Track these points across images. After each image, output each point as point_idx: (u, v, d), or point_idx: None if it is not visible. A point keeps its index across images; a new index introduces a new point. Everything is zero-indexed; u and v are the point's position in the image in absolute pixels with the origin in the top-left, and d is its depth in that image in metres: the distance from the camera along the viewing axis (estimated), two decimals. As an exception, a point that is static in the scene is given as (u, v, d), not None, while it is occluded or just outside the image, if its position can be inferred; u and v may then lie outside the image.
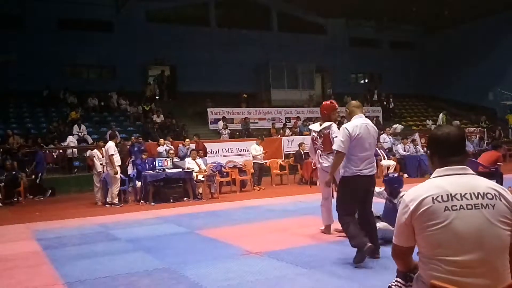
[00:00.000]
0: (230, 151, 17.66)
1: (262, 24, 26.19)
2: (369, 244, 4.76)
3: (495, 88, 26.31)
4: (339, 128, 5.62)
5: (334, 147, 5.13)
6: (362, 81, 30.63)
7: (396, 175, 6.56)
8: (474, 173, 2.12)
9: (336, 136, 5.77)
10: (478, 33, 26.38)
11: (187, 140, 15.06)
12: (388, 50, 29.75)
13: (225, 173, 13.87)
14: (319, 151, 6.48)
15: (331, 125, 6.33)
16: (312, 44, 26.55)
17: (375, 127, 5.22)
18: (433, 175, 2.14)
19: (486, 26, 25.85)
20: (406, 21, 27.56)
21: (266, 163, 15.19)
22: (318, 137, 6.47)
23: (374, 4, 24.02)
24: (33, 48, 20.01)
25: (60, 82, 20.46)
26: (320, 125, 6.50)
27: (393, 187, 5.93)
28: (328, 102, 6.63)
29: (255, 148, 14.59)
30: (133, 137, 16.36)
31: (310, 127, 6.80)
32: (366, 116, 5.34)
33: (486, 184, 2.06)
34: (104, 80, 22.74)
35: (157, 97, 23.53)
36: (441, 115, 22.76)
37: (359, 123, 4.99)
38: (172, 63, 23.73)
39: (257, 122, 22.13)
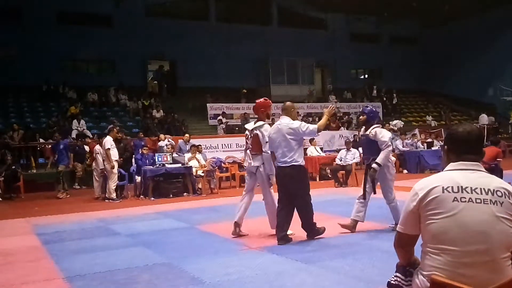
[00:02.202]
0: (229, 147, 17.63)
1: (262, 19, 26.13)
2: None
3: (495, 84, 26.27)
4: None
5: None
6: (362, 76, 30.60)
7: (369, 107, 6.82)
8: (486, 171, 2.15)
9: (267, 142, 6.03)
10: (478, 28, 26.32)
11: (187, 135, 15.05)
12: (388, 45, 29.70)
13: (224, 168, 13.87)
14: (248, 150, 6.49)
15: (263, 125, 6.21)
16: (312, 39, 26.50)
17: (288, 126, 5.84)
18: (446, 168, 2.17)
19: (486, 21, 25.78)
20: (407, 16, 27.49)
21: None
22: (250, 135, 6.40)
23: (374, -1, 23.96)
24: (33, 42, 19.96)
25: (60, 76, 20.42)
26: (254, 123, 6.39)
27: (369, 117, 6.47)
28: (262, 99, 6.45)
29: (254, 144, 14.54)
30: (140, 133, 16.30)
31: (246, 125, 6.76)
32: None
33: (497, 182, 2.10)
34: (103, 75, 22.72)
35: (156, 91, 23.48)
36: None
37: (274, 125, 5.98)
38: (172, 58, 23.69)
39: (256, 118, 22.02)
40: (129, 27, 22.04)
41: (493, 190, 2.04)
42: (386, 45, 29.60)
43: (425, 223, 2.07)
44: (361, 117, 6.74)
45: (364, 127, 6.61)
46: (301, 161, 5.90)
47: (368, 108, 6.78)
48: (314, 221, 6.07)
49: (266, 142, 6.07)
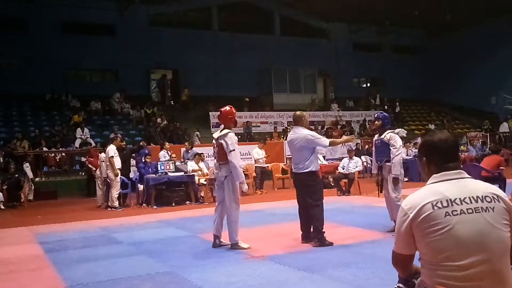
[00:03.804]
0: (232, 155, 17.61)
1: (265, 28, 26.25)
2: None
3: (497, 92, 26.26)
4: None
5: None
6: (365, 85, 30.65)
7: (386, 114, 7.41)
8: (469, 176, 2.12)
9: (234, 150, 6.08)
10: (480, 37, 26.35)
11: (186, 143, 15.07)
12: (390, 54, 29.75)
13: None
14: (215, 160, 6.53)
15: (227, 134, 6.21)
16: (314, 48, 26.59)
17: (303, 134, 6.21)
18: (429, 181, 2.12)
19: (488, 30, 25.82)
20: (409, 25, 27.56)
21: (268, 167, 15.20)
22: (216, 145, 6.41)
23: (376, 9, 24.03)
24: (36, 52, 20.08)
25: (63, 85, 20.52)
26: (220, 132, 6.39)
27: (384, 123, 7.01)
28: (228, 108, 6.49)
29: (257, 152, 14.59)
30: (143, 142, 16.33)
31: (214, 134, 6.75)
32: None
33: (483, 187, 2.07)
34: (106, 84, 22.80)
35: (159, 100, 23.57)
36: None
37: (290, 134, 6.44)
38: (175, 67, 23.79)
39: (259, 126, 22.15)
40: (133, 37, 22.18)
41: (482, 196, 2.01)
42: (388, 54, 29.65)
43: (421, 242, 2.03)
44: (376, 122, 7.14)
45: (378, 132, 7.08)
46: (313, 167, 6.21)
47: (382, 114, 7.33)
48: (323, 230, 6.18)
49: (231, 151, 6.08)
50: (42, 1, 19.25)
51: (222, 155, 6.23)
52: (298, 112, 6.56)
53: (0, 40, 19.27)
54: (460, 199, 2.00)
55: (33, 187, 14.57)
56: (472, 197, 2.01)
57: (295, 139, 6.26)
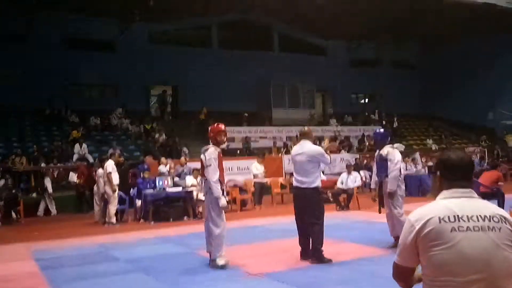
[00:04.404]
0: (230, 170, 17.60)
1: (264, 45, 26.42)
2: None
3: (495, 108, 26.36)
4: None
5: None
6: (363, 101, 30.76)
7: (382, 130, 7.80)
8: (479, 197, 2.14)
9: (210, 165, 6.10)
10: (477, 53, 26.46)
11: (182, 158, 15.05)
12: (388, 69, 29.85)
13: (225, 192, 13.78)
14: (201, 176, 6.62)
15: (207, 149, 6.28)
16: (312, 65, 26.72)
17: (312, 149, 6.29)
18: (439, 197, 2.15)
19: (485, 46, 25.94)
20: (406, 41, 27.76)
21: (266, 182, 15.16)
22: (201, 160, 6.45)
23: (373, 26, 24.24)
24: (37, 66, 20.10)
25: (63, 100, 20.52)
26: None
27: (377, 140, 7.30)
28: (215, 124, 6.59)
29: (256, 167, 14.56)
30: (147, 157, 16.32)
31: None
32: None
33: (493, 208, 2.08)
34: (106, 99, 22.84)
35: (158, 115, 23.61)
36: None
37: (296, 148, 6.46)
38: (174, 83, 23.87)
39: (258, 141, 22.15)
40: (133, 53, 22.26)
41: (490, 216, 2.02)
42: (385, 69, 29.75)
43: (424, 256, 2.02)
44: (373, 140, 7.25)
45: (378, 148, 7.23)
46: (318, 183, 6.24)
47: (378, 130, 7.64)
48: (322, 248, 6.13)
49: (207, 166, 6.11)
50: (44, 17, 19.32)
51: (202, 170, 6.32)
52: (306, 128, 6.71)
53: (1, 54, 19.32)
54: (467, 216, 2.01)
55: (53, 202, 14.70)
56: (480, 215, 2.01)
57: (303, 153, 6.23)
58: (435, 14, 22.41)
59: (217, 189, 6.08)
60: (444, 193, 2.13)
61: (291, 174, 16.26)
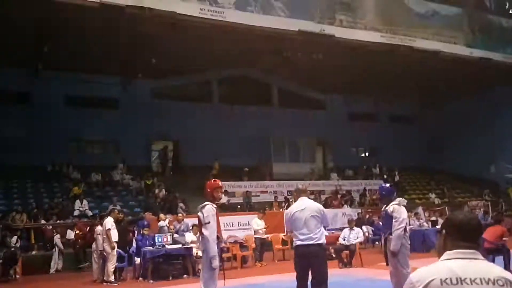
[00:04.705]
0: (231, 225, 17.47)
1: (263, 100, 26.91)
2: None
3: (497, 161, 26.36)
4: None
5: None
6: (363, 155, 30.89)
7: (388, 185, 7.70)
8: (484, 259, 2.11)
9: (209, 222, 5.98)
10: (477, 106, 26.64)
11: (180, 214, 14.96)
12: (387, 123, 30.18)
13: (225, 249, 13.64)
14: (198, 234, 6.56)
15: (205, 205, 6.17)
16: (312, 119, 27.10)
17: (315, 205, 6.24)
18: (442, 257, 2.12)
19: (485, 99, 26.11)
20: (405, 95, 28.23)
21: (267, 237, 14.99)
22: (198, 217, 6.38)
23: (371, 81, 24.78)
24: (40, 124, 20.44)
25: (65, 157, 20.72)
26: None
27: (382, 195, 7.25)
28: (212, 180, 6.58)
29: (256, 223, 14.46)
30: (146, 213, 16.30)
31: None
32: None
33: (498, 271, 2.04)
34: (108, 155, 23.00)
35: (159, 170, 23.69)
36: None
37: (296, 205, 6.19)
38: (176, 138, 24.13)
39: (259, 195, 22.09)
40: (135, 109, 22.66)
41: (494, 279, 1.97)
42: (385, 123, 30.10)
43: None
44: (379, 195, 7.54)
45: (384, 204, 7.18)
46: (323, 240, 6.04)
47: (384, 186, 7.57)
48: None
49: (206, 223, 6.01)
50: (47, 76, 19.86)
51: (200, 227, 6.20)
52: (301, 185, 6.61)
53: (5, 112, 19.69)
54: (470, 279, 1.97)
55: (62, 259, 14.63)
56: (484, 278, 1.97)
57: (306, 209, 6.06)
58: (433, 69, 22.96)
59: (213, 248, 5.97)
60: (448, 253, 2.10)
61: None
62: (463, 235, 2.10)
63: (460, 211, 2.34)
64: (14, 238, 14.19)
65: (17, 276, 13.21)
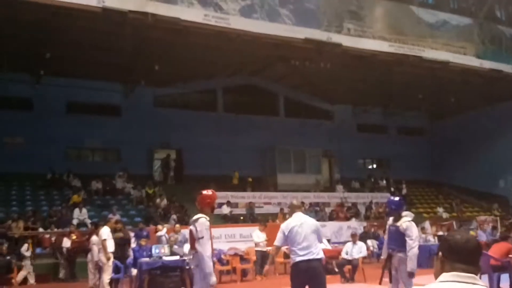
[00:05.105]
0: (233, 237, 17.10)
1: (269, 110, 26.60)
2: None
3: (506, 176, 25.81)
4: None
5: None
6: (370, 166, 30.41)
7: (397, 198, 7.22)
8: (484, 285, 2.00)
9: (202, 237, 5.59)
10: (487, 120, 26.29)
11: (177, 225, 14.56)
12: (395, 135, 29.78)
13: (225, 261, 13.25)
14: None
15: (198, 219, 5.77)
16: (319, 129, 26.72)
17: (312, 220, 6.05)
18: (439, 279, 2.05)
19: (495, 112, 25.76)
20: (413, 107, 27.84)
21: (269, 250, 14.55)
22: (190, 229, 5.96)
23: (380, 91, 24.43)
24: (41, 131, 20.24)
25: (65, 165, 20.51)
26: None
27: (392, 209, 6.84)
28: (209, 191, 6.16)
29: (257, 235, 14.08)
30: (141, 223, 16.03)
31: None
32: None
33: None
34: (109, 163, 22.72)
35: (161, 179, 23.36)
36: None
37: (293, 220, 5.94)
38: (179, 147, 23.81)
39: (262, 207, 21.69)
40: (137, 117, 22.43)
41: None
42: (393, 135, 29.69)
43: None
44: (387, 208, 7.29)
45: (392, 217, 6.80)
46: (322, 255, 5.87)
47: (393, 199, 7.14)
48: None
49: (199, 238, 5.63)
50: (49, 82, 19.69)
51: (193, 242, 5.79)
52: (295, 201, 6.34)
53: (6, 119, 19.52)
54: None
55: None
56: None
57: (304, 223, 5.89)
58: (443, 81, 22.58)
59: (209, 264, 5.59)
60: (445, 275, 2.03)
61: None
62: (460, 258, 2.04)
63: (458, 230, 2.20)
64: (25, 247, 14.30)
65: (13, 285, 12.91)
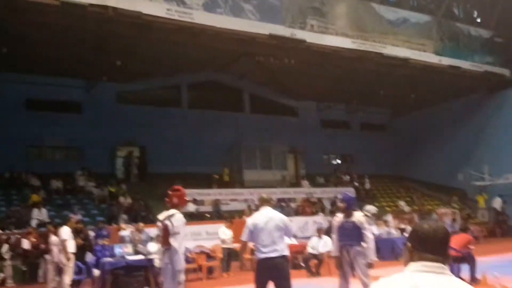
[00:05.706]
0: (199, 235, 16.95)
1: (234, 106, 26.53)
2: None
3: (464, 169, 26.65)
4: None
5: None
6: (335, 162, 30.81)
7: (351, 195, 7.75)
8: (451, 274, 1.99)
9: (179, 232, 5.64)
10: (444, 115, 27.14)
11: (141, 224, 14.34)
12: (358, 131, 30.29)
13: (191, 259, 13.11)
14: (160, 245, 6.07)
15: (174, 214, 5.81)
16: (284, 126, 26.84)
17: (279, 216, 5.90)
18: (406, 269, 2.03)
19: (452, 108, 26.68)
20: (376, 104, 28.35)
21: (235, 247, 14.50)
22: (161, 227, 5.92)
23: (343, 88, 24.74)
24: (-1, 129, 19.50)
25: (24, 164, 19.80)
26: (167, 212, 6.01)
27: (350, 204, 6.93)
28: (177, 187, 6.27)
29: (223, 232, 13.98)
30: (101, 222, 15.67)
31: (158, 216, 6.21)
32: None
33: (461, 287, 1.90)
34: (70, 162, 22.07)
35: (124, 177, 22.88)
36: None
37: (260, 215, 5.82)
38: (142, 144, 23.39)
39: (229, 204, 21.58)
40: (99, 114, 21.90)
41: None
42: (356, 131, 30.20)
43: None
44: (341, 204, 7.18)
45: (344, 213, 6.94)
46: (287, 252, 5.76)
47: (348, 195, 7.42)
48: None
49: (175, 233, 5.64)
50: (6, 78, 18.95)
51: (166, 238, 5.72)
52: (265, 195, 6.27)
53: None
54: None
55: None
56: None
57: (270, 220, 5.81)
58: (403, 77, 23.04)
59: (181, 261, 5.60)
60: (413, 265, 2.01)
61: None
62: (429, 247, 2.02)
63: (426, 220, 2.19)
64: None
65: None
